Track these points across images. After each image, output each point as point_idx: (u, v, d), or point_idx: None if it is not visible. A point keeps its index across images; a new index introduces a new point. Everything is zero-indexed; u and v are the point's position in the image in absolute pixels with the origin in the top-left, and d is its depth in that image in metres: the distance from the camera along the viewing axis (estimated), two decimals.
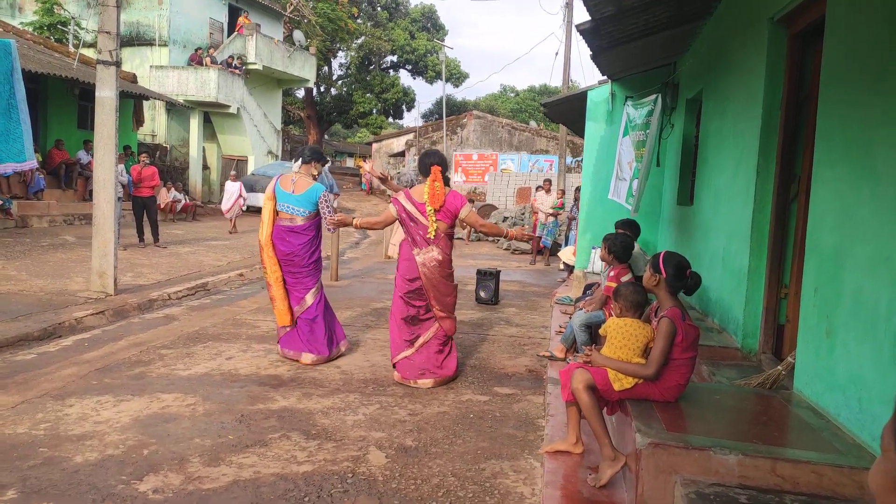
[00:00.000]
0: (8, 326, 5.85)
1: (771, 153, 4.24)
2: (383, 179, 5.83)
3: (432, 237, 4.89)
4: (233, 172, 16.52)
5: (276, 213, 5.36)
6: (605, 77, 7.76)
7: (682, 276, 3.15)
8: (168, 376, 4.92)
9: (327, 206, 5.35)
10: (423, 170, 4.95)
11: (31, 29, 19.45)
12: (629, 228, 5.68)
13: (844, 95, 3.08)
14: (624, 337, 3.16)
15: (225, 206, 15.77)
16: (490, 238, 18.99)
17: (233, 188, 15.62)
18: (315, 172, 5.47)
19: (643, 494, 2.66)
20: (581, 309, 5.41)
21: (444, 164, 4.93)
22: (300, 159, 5.46)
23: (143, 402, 4.34)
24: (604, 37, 5.46)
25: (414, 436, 3.97)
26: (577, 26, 4.99)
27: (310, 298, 5.42)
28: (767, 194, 4.27)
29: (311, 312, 5.41)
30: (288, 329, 5.43)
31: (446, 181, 5.07)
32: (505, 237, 5.16)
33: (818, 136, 3.36)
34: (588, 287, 6.22)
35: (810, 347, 3.25)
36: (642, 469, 2.65)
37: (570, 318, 5.86)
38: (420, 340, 5.00)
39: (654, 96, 5.87)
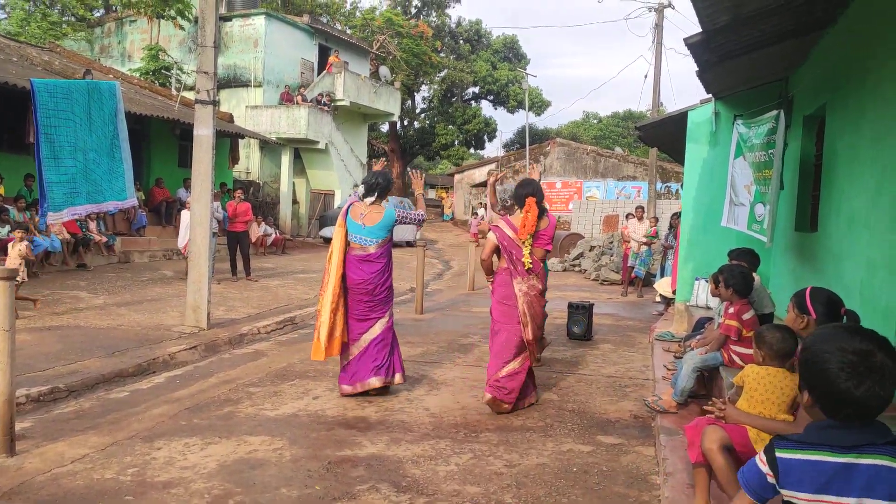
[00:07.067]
0: (105, 362, 5.94)
1: None
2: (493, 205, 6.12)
3: (529, 267, 4.93)
4: (187, 200, 11.80)
5: (347, 242, 5.34)
6: (710, 95, 7.23)
7: (835, 315, 2.67)
8: (256, 417, 4.78)
9: (408, 217, 5.40)
10: (519, 201, 5.05)
11: (137, 74, 20.81)
12: (746, 258, 5.12)
13: None
14: (767, 389, 2.69)
15: (181, 241, 11.50)
16: (577, 269, 18.40)
17: (189, 219, 11.17)
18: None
19: None
20: (692, 349, 4.89)
21: (538, 195, 5.00)
22: (375, 194, 5.35)
23: (231, 445, 4.19)
24: (713, 50, 5.02)
25: (513, 492, 3.60)
26: (685, 39, 4.59)
27: (379, 328, 5.32)
28: None
29: (378, 338, 5.31)
30: (345, 361, 5.33)
31: (543, 211, 5.01)
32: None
33: None
34: (701, 323, 5.66)
35: None
36: None
37: (680, 358, 5.33)
38: (510, 366, 4.97)
39: (774, 112, 5.32)
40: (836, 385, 1.54)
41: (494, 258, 5.18)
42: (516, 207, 5.15)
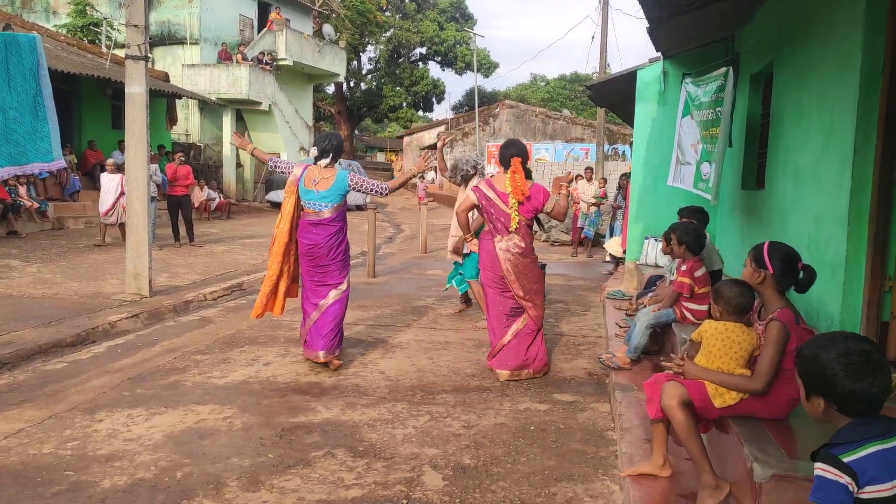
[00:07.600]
0: (41, 333, 5.63)
1: (871, 127, 3.71)
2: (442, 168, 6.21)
3: (514, 229, 4.80)
4: (110, 161, 11.45)
5: (301, 208, 5.14)
6: (659, 54, 7.22)
7: (792, 270, 2.68)
8: (203, 385, 4.61)
9: (364, 186, 5.16)
10: (503, 161, 4.86)
11: (64, 31, 19.54)
12: (696, 216, 5.17)
13: None
14: (725, 344, 2.70)
15: (103, 206, 10.94)
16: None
17: (110, 183, 10.80)
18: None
19: None
20: (645, 306, 4.94)
21: (523, 155, 4.85)
22: (329, 155, 5.10)
23: (177, 415, 4.03)
24: (664, 6, 4.96)
25: (471, 452, 3.58)
26: None
27: (333, 296, 5.11)
28: (867, 174, 3.74)
29: (331, 309, 5.10)
30: (308, 326, 5.14)
31: (528, 173, 4.95)
32: None
33: None
34: (652, 281, 5.72)
35: None
36: None
37: (632, 316, 5.39)
38: (513, 329, 4.87)
39: (723, 70, 5.33)
40: (849, 387, 1.63)
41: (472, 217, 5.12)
42: (475, 177, 5.04)
